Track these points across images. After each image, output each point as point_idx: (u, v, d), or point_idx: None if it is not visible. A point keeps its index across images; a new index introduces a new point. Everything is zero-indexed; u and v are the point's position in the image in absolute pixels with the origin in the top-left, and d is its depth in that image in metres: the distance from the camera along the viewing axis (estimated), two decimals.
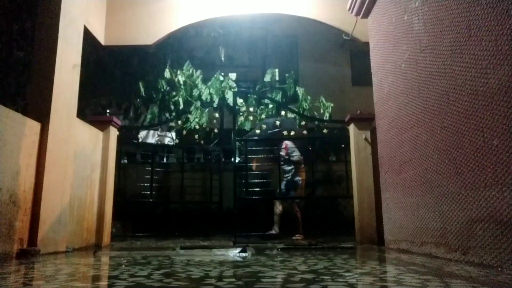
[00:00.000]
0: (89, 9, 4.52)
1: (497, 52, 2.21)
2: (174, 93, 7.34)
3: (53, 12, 3.72)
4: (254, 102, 7.50)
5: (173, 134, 9.56)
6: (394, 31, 3.75)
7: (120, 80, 8.75)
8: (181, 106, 7.26)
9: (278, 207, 5.75)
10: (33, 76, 3.63)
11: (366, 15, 4.59)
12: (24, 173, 3.18)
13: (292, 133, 6.88)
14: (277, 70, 10.90)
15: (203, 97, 7.14)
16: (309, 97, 7.40)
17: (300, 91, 7.48)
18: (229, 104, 7.13)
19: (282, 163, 5.71)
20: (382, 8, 4.14)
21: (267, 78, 8.21)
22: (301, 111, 7.22)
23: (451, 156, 2.72)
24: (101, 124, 4.85)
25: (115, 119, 5.03)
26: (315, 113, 7.36)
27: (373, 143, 4.64)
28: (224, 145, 8.21)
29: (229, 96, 7.07)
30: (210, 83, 7.27)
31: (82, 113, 5.20)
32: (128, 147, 8.00)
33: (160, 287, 1.69)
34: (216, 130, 8.09)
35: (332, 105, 7.34)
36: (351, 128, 4.94)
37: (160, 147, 8.63)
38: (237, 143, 6.20)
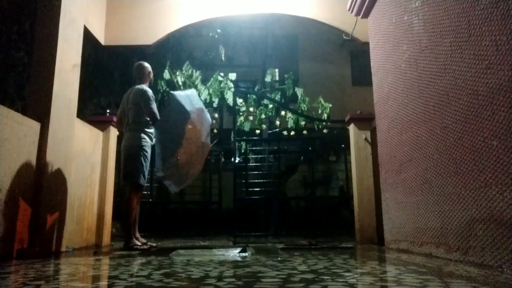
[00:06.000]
0: (89, 9, 4.52)
1: (497, 52, 2.21)
2: None
3: (53, 12, 3.71)
4: (253, 102, 7.50)
5: None
6: (394, 31, 3.75)
7: (120, 80, 8.75)
8: None
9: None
10: (33, 76, 3.62)
11: (366, 15, 4.59)
12: (24, 173, 3.18)
13: (292, 133, 6.89)
14: (277, 70, 10.91)
15: (202, 98, 7.14)
16: (307, 98, 7.40)
17: (299, 91, 7.48)
18: (229, 104, 7.13)
19: None
20: (382, 8, 4.14)
21: (267, 78, 8.22)
22: (300, 112, 7.23)
23: (451, 156, 2.72)
24: (101, 124, 4.85)
25: (115, 119, 5.03)
26: (313, 113, 7.36)
27: (373, 143, 4.64)
28: (224, 145, 8.22)
29: (229, 96, 7.07)
30: (209, 83, 7.27)
31: (82, 113, 5.19)
32: None
33: (160, 287, 1.68)
34: (215, 130, 8.10)
35: (330, 105, 7.35)
36: (351, 128, 4.93)
37: None
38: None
